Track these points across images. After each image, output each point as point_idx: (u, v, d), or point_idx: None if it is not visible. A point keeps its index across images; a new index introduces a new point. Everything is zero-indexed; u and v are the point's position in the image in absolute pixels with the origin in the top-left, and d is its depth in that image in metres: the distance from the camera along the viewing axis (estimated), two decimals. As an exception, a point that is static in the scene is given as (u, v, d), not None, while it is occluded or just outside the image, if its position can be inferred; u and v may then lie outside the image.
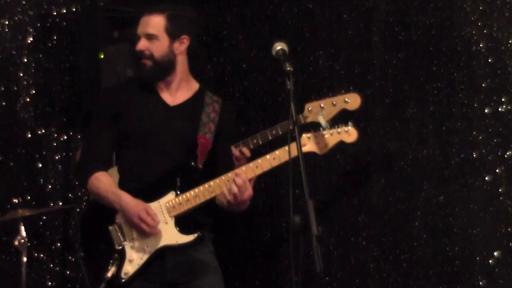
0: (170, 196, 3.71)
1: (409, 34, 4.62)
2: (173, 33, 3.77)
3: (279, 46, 3.39)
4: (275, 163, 3.65)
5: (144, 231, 3.67)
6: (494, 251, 4.29)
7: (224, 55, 5.46)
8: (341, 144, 3.75)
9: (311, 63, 4.98)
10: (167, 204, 3.71)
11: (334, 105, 3.97)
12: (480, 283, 4.32)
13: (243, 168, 3.66)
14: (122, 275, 3.69)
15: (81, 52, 5.24)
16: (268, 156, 3.66)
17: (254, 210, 5.01)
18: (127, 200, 3.69)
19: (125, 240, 3.73)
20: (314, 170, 4.79)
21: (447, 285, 4.44)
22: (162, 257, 3.71)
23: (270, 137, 4.26)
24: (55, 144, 5.23)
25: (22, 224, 4.48)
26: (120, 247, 3.72)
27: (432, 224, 4.51)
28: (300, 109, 3.92)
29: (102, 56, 5.03)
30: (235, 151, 4.18)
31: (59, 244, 5.22)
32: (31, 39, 5.17)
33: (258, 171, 3.66)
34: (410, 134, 4.59)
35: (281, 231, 5.13)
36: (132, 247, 3.72)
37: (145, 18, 3.79)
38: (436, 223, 4.49)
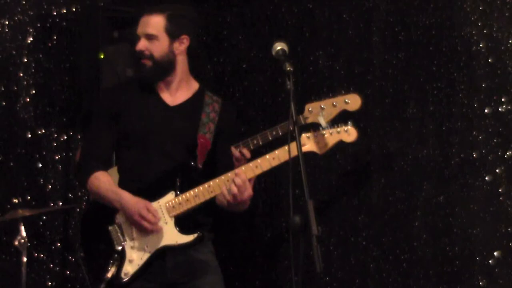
0: (170, 196, 3.71)
1: (409, 34, 4.62)
2: (173, 33, 3.77)
3: (279, 46, 3.39)
4: (275, 163, 3.65)
5: (146, 228, 3.66)
6: (494, 251, 4.28)
7: (224, 55, 5.46)
8: (341, 144, 3.76)
9: (311, 63, 4.98)
10: (167, 204, 3.71)
11: (334, 106, 3.96)
12: (480, 283, 4.32)
13: (243, 168, 3.66)
14: (122, 275, 3.69)
15: (81, 52, 5.23)
16: (267, 156, 3.66)
17: (254, 210, 5.02)
18: (127, 198, 3.69)
19: (125, 240, 3.72)
20: (314, 170, 4.79)
21: (447, 285, 4.44)
22: (162, 257, 3.71)
23: (270, 138, 4.26)
24: (55, 144, 5.22)
25: (22, 224, 4.49)
26: (120, 247, 3.72)
27: (432, 224, 4.51)
28: (300, 110, 3.93)
29: (102, 56, 5.03)
30: (235, 152, 4.17)
31: (59, 244, 5.21)
32: (31, 39, 5.16)
33: (258, 171, 3.66)
34: (410, 134, 4.59)
35: (281, 231, 5.13)
36: (132, 247, 3.72)
37: (145, 18, 3.79)
38: (436, 223, 4.49)
